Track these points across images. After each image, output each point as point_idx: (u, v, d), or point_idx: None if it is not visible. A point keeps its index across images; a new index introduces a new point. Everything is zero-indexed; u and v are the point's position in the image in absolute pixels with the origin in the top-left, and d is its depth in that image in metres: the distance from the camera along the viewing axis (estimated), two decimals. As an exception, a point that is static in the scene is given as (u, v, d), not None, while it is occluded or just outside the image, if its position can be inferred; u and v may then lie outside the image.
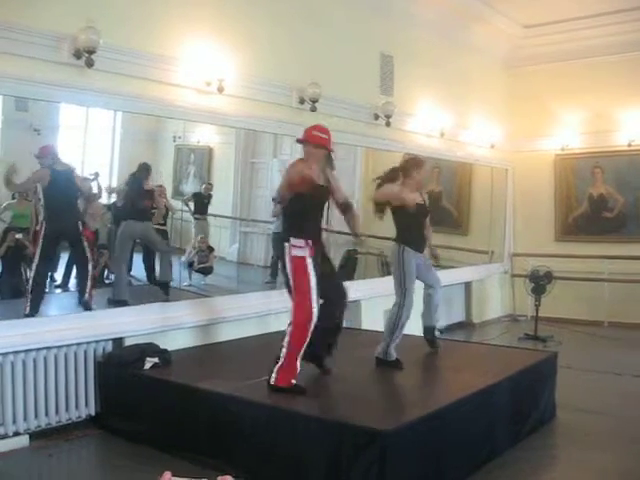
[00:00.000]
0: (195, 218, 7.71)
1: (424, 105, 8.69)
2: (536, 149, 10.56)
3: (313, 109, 6.87)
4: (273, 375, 4.49)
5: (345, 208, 4.89)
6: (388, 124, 7.93)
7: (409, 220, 5.36)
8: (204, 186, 7.73)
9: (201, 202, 7.66)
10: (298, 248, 4.49)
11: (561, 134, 10.29)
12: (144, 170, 6.44)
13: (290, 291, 4.60)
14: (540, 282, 8.99)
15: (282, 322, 6.49)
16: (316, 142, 4.69)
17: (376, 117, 7.89)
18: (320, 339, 4.68)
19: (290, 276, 4.52)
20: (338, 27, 7.42)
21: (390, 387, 4.97)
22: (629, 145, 9.79)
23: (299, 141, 4.81)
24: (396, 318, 5.27)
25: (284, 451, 4.04)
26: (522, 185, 10.70)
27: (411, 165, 5.52)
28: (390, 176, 5.46)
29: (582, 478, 4.35)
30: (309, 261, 4.50)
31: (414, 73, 8.51)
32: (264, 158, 7.95)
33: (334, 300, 4.78)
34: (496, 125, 10.07)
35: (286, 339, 4.50)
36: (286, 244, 4.51)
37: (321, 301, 4.55)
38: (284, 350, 4.49)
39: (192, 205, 7.61)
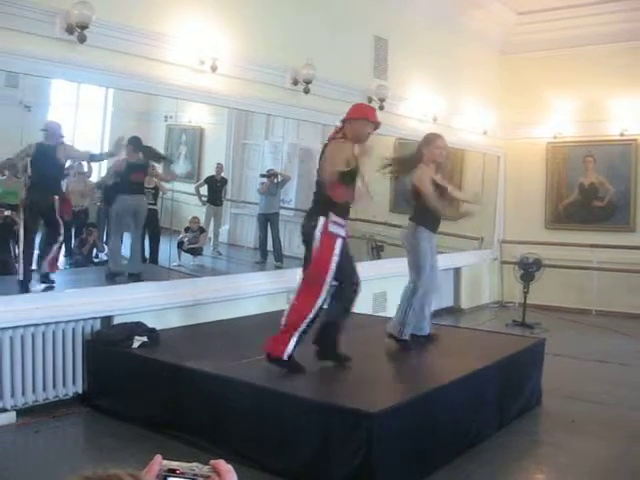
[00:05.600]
0: (210, 203, 7.41)
1: (417, 89, 8.66)
2: (528, 137, 10.55)
3: (306, 90, 6.84)
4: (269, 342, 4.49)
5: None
6: (381, 107, 7.87)
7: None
8: (216, 167, 7.33)
9: (214, 187, 7.34)
10: (337, 225, 4.36)
11: (554, 122, 10.27)
12: (131, 144, 6.17)
13: (306, 267, 4.46)
14: (529, 269, 9.03)
15: (274, 303, 6.57)
16: None
17: (369, 100, 7.83)
18: (329, 327, 4.67)
19: (316, 250, 4.35)
20: (333, 9, 7.36)
21: (378, 370, 4.98)
22: (621, 135, 9.80)
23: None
24: (411, 296, 5.20)
25: (272, 432, 4.05)
26: (513, 172, 10.71)
27: (422, 144, 5.28)
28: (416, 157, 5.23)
29: (565, 462, 4.38)
30: (340, 242, 4.39)
31: (408, 57, 8.47)
32: (256, 140, 7.91)
33: (348, 284, 4.65)
34: (489, 112, 10.04)
35: (286, 312, 4.49)
36: (322, 217, 4.33)
37: (335, 283, 4.50)
38: (283, 320, 4.46)
39: (205, 190, 7.33)
